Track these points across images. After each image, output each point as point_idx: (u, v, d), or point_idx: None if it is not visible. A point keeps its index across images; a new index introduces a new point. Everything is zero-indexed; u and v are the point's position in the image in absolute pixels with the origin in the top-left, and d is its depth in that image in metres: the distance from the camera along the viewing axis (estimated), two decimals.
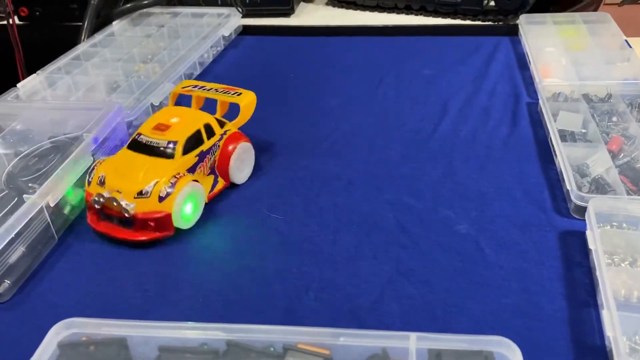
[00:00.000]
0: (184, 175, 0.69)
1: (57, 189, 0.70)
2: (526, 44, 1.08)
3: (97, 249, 0.69)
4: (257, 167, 0.83)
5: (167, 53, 1.08)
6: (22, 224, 0.64)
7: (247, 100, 0.82)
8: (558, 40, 1.07)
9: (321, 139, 0.88)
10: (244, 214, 0.74)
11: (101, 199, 0.68)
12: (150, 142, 0.71)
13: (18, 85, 0.97)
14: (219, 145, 0.76)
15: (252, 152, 0.80)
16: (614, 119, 0.84)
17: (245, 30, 1.30)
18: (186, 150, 0.71)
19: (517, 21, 1.18)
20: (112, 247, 0.69)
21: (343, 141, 0.88)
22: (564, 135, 0.80)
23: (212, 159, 0.75)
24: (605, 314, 0.52)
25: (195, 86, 0.85)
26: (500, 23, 1.24)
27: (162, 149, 0.71)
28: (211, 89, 0.84)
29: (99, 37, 1.16)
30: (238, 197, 0.77)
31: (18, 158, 0.77)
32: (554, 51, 1.05)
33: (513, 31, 1.19)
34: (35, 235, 0.67)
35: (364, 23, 1.30)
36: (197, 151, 0.73)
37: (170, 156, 0.70)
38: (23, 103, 0.93)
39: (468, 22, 1.26)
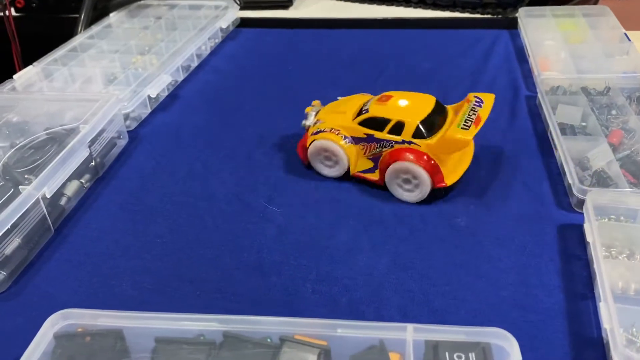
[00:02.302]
0: (325, 131, 0.75)
1: (54, 180, 0.70)
2: (525, 37, 1.08)
3: (93, 240, 0.69)
4: (254, 161, 0.82)
5: (164, 45, 1.08)
6: (18, 216, 0.64)
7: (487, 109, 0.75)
8: (557, 33, 1.07)
9: None
10: (240, 211, 0.73)
11: None
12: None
13: (14, 76, 0.96)
14: (392, 145, 0.72)
15: (424, 179, 0.70)
16: (613, 112, 0.83)
17: (243, 22, 1.30)
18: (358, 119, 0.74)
19: (517, 14, 1.18)
20: (108, 239, 0.69)
21: None
22: (564, 129, 0.80)
23: (377, 149, 0.73)
24: (602, 307, 0.52)
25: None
26: (500, 16, 1.23)
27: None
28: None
29: (96, 28, 1.16)
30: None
31: (14, 149, 0.77)
32: (553, 44, 1.04)
33: (512, 24, 1.19)
34: (32, 226, 0.66)
35: (363, 15, 1.29)
36: (366, 130, 0.73)
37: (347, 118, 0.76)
38: (19, 95, 0.92)
39: (467, 15, 1.25)
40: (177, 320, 0.51)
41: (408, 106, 0.73)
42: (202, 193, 0.76)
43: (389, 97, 0.75)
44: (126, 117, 0.90)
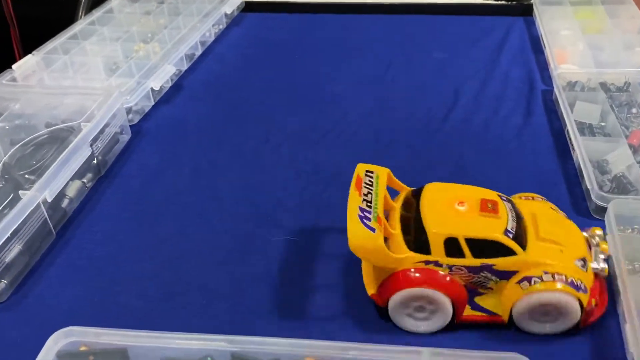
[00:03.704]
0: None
1: (55, 182, 0.67)
2: (541, 26, 1.04)
3: (96, 243, 0.67)
4: (262, 158, 0.80)
5: (168, 32, 1.04)
6: (19, 222, 0.61)
7: None
8: (574, 22, 1.03)
9: (327, 129, 0.85)
10: (248, 214, 0.71)
11: None
12: None
13: (13, 66, 0.93)
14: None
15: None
16: (634, 110, 0.80)
17: (248, 6, 1.26)
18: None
19: (532, 1, 1.14)
20: (112, 242, 0.67)
21: (350, 131, 0.85)
22: (582, 128, 0.77)
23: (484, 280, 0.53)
24: (628, 329, 0.50)
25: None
26: (514, 2, 1.19)
27: None
28: None
29: (97, 14, 1.12)
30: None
31: (14, 148, 0.74)
32: (569, 34, 1.01)
33: (527, 11, 1.15)
34: (33, 232, 0.64)
35: (372, 0, 1.25)
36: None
37: None
38: (18, 87, 0.89)
39: (480, 0, 1.21)
40: (184, 340, 0.49)
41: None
42: (209, 193, 0.74)
43: (495, 203, 0.54)
44: (129, 110, 0.87)
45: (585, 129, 0.78)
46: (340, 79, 0.98)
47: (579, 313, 0.51)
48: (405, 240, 0.53)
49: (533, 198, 0.61)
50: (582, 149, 0.71)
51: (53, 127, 0.78)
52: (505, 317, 0.53)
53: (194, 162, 0.80)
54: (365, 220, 0.51)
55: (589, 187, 0.67)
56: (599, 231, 0.57)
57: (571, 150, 0.76)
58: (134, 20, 1.11)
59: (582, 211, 0.68)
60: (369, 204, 0.53)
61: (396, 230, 0.54)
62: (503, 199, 0.56)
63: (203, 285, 0.61)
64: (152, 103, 0.93)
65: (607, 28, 1.01)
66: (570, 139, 0.77)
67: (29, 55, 0.97)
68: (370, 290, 0.55)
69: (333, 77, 0.98)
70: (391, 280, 0.53)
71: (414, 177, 0.74)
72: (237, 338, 0.49)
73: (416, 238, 0.53)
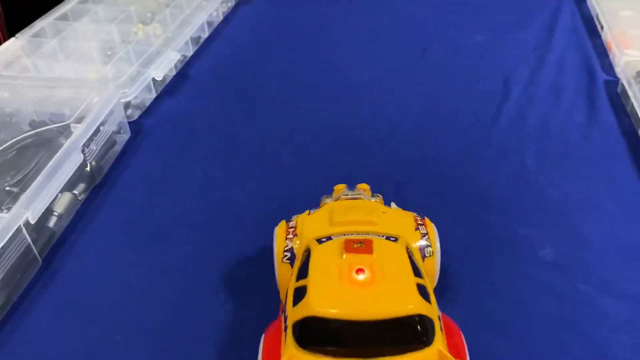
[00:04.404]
0: None
1: (39, 200, 0.56)
2: (596, 6, 0.92)
3: (90, 275, 0.56)
4: (285, 165, 0.68)
5: (170, 12, 0.91)
6: None
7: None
8: (635, 1, 0.90)
9: (359, 127, 0.73)
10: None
11: None
12: None
13: None
14: None
15: None
16: None
17: None
18: None
19: None
20: (109, 274, 0.56)
21: (386, 129, 0.73)
22: None
23: None
24: None
25: None
26: None
27: None
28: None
29: None
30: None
31: None
32: (630, 15, 0.88)
33: None
34: (13, 262, 0.53)
35: None
36: None
37: None
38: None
39: None
40: None
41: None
42: (224, 209, 0.62)
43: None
44: (127, 105, 0.75)
45: None
46: (369, 65, 0.85)
47: None
48: None
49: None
50: None
51: (39, 129, 0.66)
52: None
53: (204, 170, 0.68)
54: None
55: None
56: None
57: None
58: None
59: None
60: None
61: None
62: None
63: (221, 338, 0.49)
64: (154, 96, 0.80)
65: None
66: None
67: (12, 39, 0.84)
68: None
69: (360, 63, 0.86)
70: None
71: (468, 186, 0.63)
72: None
73: None
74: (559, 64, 0.83)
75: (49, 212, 0.59)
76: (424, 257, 0.46)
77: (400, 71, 0.84)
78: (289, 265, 0.46)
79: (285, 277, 0.46)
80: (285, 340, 0.39)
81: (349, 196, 0.51)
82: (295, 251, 0.47)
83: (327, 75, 0.83)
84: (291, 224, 0.49)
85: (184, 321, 0.51)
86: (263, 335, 0.42)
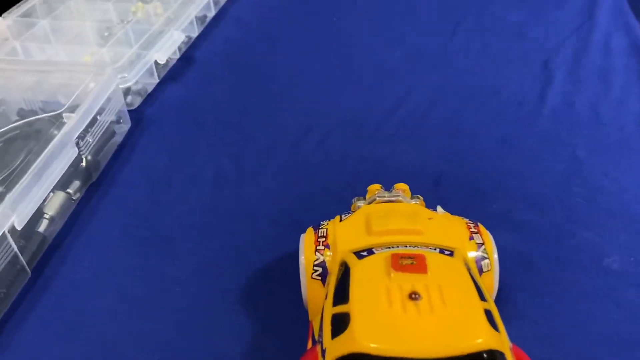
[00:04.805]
0: None
1: (28, 200, 0.48)
2: None
3: (86, 287, 0.49)
4: (304, 158, 0.61)
5: None
6: None
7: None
8: None
9: (385, 114, 0.66)
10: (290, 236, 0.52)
11: None
12: None
13: None
14: None
15: None
16: None
17: None
18: None
19: None
20: (108, 286, 0.48)
21: (416, 118, 0.65)
22: None
23: None
24: None
25: None
26: None
27: None
28: None
29: None
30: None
31: None
32: None
33: None
34: None
35: None
36: None
37: None
38: None
39: None
40: None
41: None
42: (237, 209, 0.55)
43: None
44: (127, 92, 0.68)
45: None
46: (392, 48, 0.77)
47: None
48: None
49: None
50: None
51: (28, 119, 0.58)
52: None
53: (213, 164, 0.60)
54: None
55: None
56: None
57: None
58: None
59: None
60: None
61: None
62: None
63: (233, 354, 0.42)
64: (157, 81, 0.73)
65: None
66: None
67: None
68: None
69: (383, 45, 0.78)
70: None
71: (516, 182, 0.55)
72: None
73: None
74: (605, 46, 0.75)
75: (38, 214, 0.52)
76: (480, 272, 0.39)
77: (428, 55, 0.76)
78: (321, 283, 0.39)
79: (316, 295, 0.39)
80: None
81: (385, 198, 0.44)
82: (328, 265, 0.39)
83: (346, 58, 0.76)
84: (320, 232, 0.42)
85: (193, 337, 0.43)
86: None
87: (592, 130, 0.61)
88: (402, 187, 0.46)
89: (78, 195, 0.56)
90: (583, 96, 0.66)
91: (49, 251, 0.51)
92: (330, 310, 0.34)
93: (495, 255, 0.40)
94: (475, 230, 0.41)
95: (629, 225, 0.51)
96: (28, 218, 0.48)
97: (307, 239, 0.41)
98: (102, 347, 0.44)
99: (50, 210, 0.53)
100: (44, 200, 0.52)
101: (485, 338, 0.31)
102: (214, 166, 0.60)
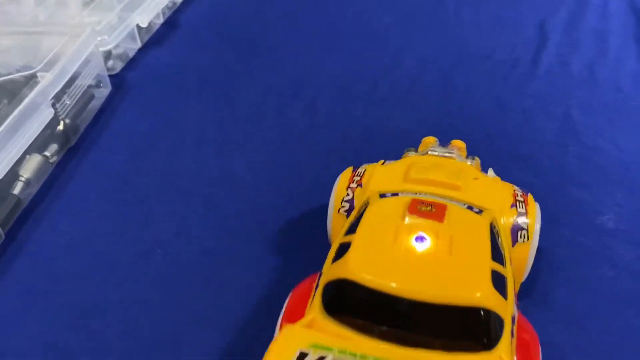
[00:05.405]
0: None
1: (0, 159, 0.46)
2: None
3: (63, 251, 0.47)
4: (293, 125, 0.59)
5: None
6: None
7: None
8: None
9: (375, 78, 0.64)
10: (278, 205, 0.51)
11: None
12: None
13: None
14: None
15: None
16: None
17: None
18: None
19: None
20: (85, 250, 0.47)
21: (408, 82, 0.63)
22: None
23: None
24: None
25: None
26: None
27: None
28: None
29: None
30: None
31: None
32: None
33: None
34: None
35: None
36: None
37: None
38: None
39: None
40: None
41: None
42: (222, 175, 0.53)
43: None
44: (108, 55, 0.66)
45: None
46: (386, 8, 0.75)
47: None
48: None
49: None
50: None
51: (3, 78, 0.56)
52: None
53: (197, 130, 0.58)
54: None
55: None
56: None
57: None
58: None
59: None
60: None
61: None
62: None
63: (213, 318, 0.41)
64: (139, 45, 0.70)
65: None
66: None
67: None
68: None
69: (377, 5, 0.76)
70: None
71: (509, 143, 0.54)
72: None
73: None
74: (602, 7, 0.73)
75: (13, 176, 0.50)
76: (515, 241, 0.37)
77: (423, 15, 0.73)
78: (345, 217, 0.38)
79: (338, 230, 0.37)
80: (313, 299, 0.31)
81: (437, 153, 0.42)
82: (355, 203, 0.38)
83: (337, 22, 0.73)
84: (358, 171, 0.40)
85: (172, 298, 0.42)
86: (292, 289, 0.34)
87: (588, 91, 0.60)
88: (458, 145, 0.44)
89: (55, 158, 0.54)
90: (579, 57, 0.64)
91: (24, 215, 0.50)
92: (339, 239, 0.33)
93: (537, 228, 0.37)
94: (522, 199, 0.38)
95: (624, 183, 0.49)
96: (1, 178, 0.46)
97: (342, 177, 0.40)
98: (77, 311, 0.42)
99: (26, 173, 0.51)
100: (19, 162, 0.50)
101: (483, 294, 0.29)
102: (197, 133, 0.58)
